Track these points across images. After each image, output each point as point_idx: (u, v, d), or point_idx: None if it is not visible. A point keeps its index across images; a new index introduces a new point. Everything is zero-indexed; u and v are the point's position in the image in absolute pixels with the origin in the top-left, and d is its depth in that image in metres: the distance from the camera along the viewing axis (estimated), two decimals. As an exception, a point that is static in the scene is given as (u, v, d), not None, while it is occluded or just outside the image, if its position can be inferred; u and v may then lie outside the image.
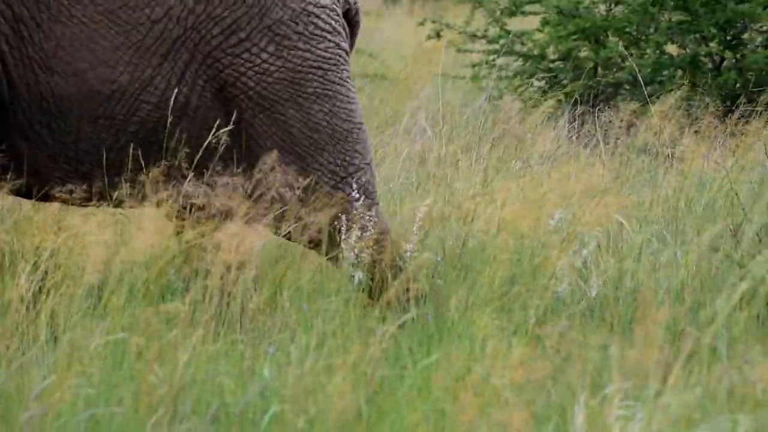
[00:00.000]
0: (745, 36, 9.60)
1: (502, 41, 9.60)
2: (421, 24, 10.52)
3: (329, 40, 5.11)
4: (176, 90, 5.00)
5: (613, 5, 9.48)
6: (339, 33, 5.18)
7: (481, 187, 6.42)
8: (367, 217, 4.96)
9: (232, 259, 4.70)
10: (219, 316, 4.77)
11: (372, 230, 4.97)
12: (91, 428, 3.99)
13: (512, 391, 3.64)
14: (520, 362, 3.75)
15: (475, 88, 9.74)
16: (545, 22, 9.54)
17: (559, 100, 9.30)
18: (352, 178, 5.06)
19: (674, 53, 9.68)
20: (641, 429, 3.39)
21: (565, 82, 9.51)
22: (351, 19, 5.36)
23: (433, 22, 10.29)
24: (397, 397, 4.02)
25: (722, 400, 3.66)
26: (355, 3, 5.33)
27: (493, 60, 9.67)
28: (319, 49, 5.07)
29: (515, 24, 9.80)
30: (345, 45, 5.22)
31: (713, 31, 9.47)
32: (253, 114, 5.02)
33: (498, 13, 9.66)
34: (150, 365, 4.19)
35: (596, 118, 8.44)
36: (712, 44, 9.51)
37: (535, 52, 9.60)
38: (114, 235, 4.91)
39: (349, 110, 5.13)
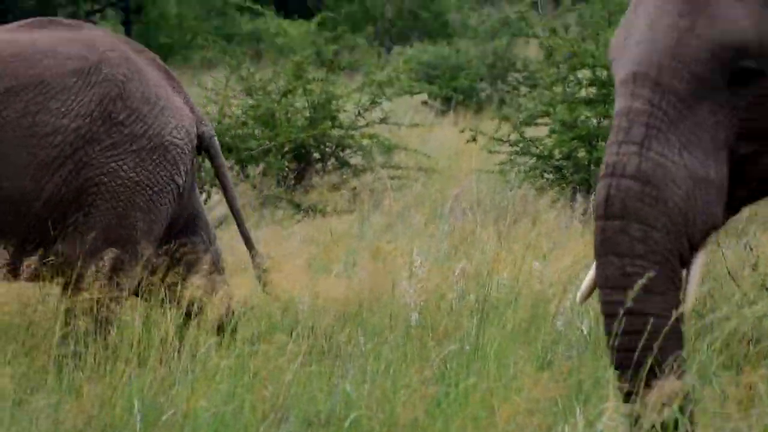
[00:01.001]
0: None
1: (521, 145, 9.57)
2: (462, 131, 10.48)
3: (168, 171, 4.90)
4: (60, 190, 4.79)
5: (602, 119, 9.42)
6: (178, 167, 4.96)
7: (504, 252, 6.37)
8: None
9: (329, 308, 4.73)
10: (314, 347, 4.71)
11: None
12: (220, 427, 3.96)
13: (530, 403, 3.57)
14: (535, 382, 3.68)
15: (502, 180, 9.70)
16: (552, 131, 9.52)
17: (563, 188, 9.25)
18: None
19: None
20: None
21: (567, 175, 9.45)
22: (206, 143, 5.15)
23: (471, 130, 10.26)
24: (444, 408, 3.96)
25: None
26: (206, 132, 5.12)
27: (515, 159, 9.64)
28: (159, 175, 4.88)
29: (530, 132, 9.75)
30: (179, 179, 4.97)
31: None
32: (93, 202, 4.82)
33: (518, 124, 9.64)
34: (263, 382, 4.15)
35: (590, 202, 8.36)
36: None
37: (545, 153, 9.54)
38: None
39: (150, 223, 4.96)
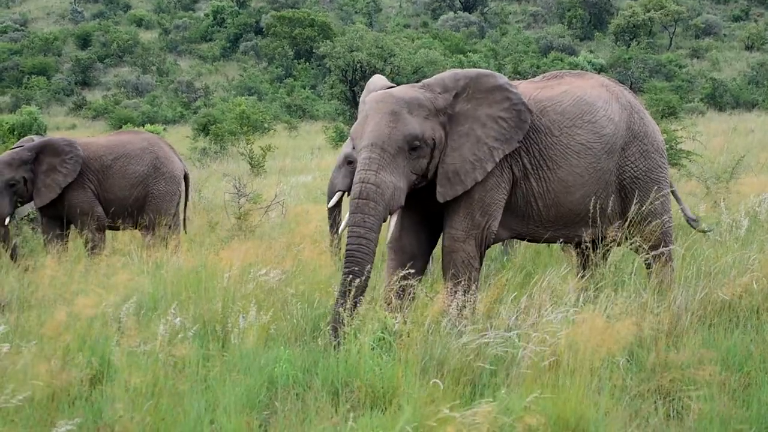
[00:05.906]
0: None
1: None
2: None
3: (176, 188, 12.11)
4: (139, 196, 11.90)
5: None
6: (180, 187, 12.16)
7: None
8: None
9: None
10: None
11: None
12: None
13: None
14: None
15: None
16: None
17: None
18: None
19: None
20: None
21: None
22: (185, 175, 12.28)
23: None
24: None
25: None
26: (185, 171, 12.32)
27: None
28: (173, 189, 12.08)
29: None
30: (179, 192, 12.19)
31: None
32: (147, 200, 11.95)
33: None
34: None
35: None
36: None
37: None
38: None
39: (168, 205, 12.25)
